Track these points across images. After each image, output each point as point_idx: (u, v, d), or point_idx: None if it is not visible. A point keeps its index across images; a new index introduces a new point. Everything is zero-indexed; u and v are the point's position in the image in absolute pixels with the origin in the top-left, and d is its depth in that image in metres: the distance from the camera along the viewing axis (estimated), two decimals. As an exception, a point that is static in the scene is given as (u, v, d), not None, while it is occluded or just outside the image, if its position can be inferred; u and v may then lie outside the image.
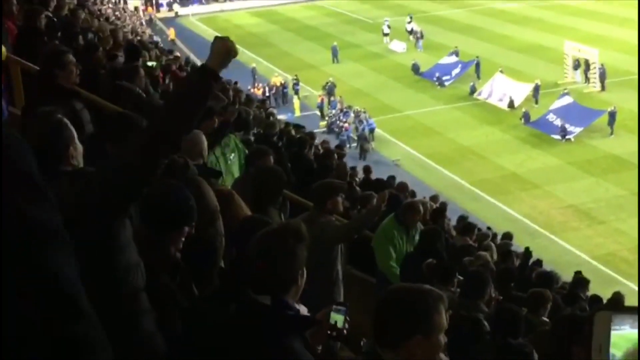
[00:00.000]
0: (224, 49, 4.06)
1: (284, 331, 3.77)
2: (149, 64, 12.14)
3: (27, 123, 4.19)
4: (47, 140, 3.93)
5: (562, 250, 27.55)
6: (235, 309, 3.94)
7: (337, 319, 3.99)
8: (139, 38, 33.17)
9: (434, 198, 21.25)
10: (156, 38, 49.74)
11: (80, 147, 4.09)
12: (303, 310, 3.99)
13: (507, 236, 19.10)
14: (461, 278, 9.34)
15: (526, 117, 39.81)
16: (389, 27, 58.81)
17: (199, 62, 43.34)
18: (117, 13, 50.71)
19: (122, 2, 64.08)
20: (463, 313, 7.01)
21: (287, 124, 21.62)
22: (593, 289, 15.19)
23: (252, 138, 11.55)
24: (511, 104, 42.25)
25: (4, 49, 8.37)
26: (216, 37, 4.11)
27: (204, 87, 3.87)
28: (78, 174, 3.92)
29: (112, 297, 3.75)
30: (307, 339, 3.93)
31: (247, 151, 9.65)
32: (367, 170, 20.42)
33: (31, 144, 3.82)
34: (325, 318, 4.00)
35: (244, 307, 3.88)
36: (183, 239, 4.50)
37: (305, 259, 3.88)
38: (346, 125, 40.20)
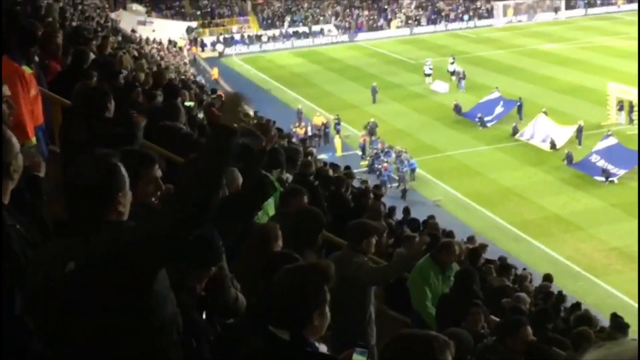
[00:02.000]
0: (229, 102, 4.03)
1: None
2: (187, 103, 12.24)
3: (76, 162, 4.17)
4: (98, 183, 3.89)
5: (605, 293, 27.08)
6: (255, 343, 3.94)
7: None
8: (182, 77, 33.61)
9: (470, 239, 21.09)
10: (199, 77, 50.34)
11: (129, 195, 4.07)
12: (323, 349, 3.97)
13: (547, 278, 18.88)
14: (496, 319, 9.25)
15: (569, 158, 39.43)
16: (430, 68, 58.87)
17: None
18: (161, 53, 51.59)
19: (166, 42, 65.10)
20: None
21: (324, 163, 21.69)
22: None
23: (286, 177, 11.54)
24: (553, 145, 41.92)
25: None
26: (226, 94, 4.06)
27: (221, 144, 3.85)
28: (120, 226, 3.89)
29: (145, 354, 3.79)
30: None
31: (282, 190, 9.65)
32: (406, 211, 20.38)
33: (79, 183, 3.87)
34: (348, 359, 3.97)
35: (263, 340, 3.88)
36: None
37: (327, 299, 3.87)
38: (385, 165, 40.12)
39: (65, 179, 4.11)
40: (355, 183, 22.27)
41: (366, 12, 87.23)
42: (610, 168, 37.23)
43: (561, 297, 15.91)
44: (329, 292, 3.93)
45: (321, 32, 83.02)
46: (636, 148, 39.17)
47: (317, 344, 3.92)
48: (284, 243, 6.44)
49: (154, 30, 69.79)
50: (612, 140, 39.64)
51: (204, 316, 4.61)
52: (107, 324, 3.68)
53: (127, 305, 3.69)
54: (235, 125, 3.91)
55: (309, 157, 18.72)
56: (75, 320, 3.67)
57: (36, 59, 9.47)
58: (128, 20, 64.69)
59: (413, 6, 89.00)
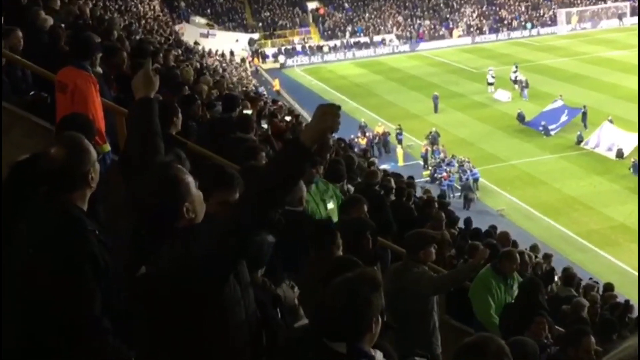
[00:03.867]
0: (322, 124, 3.67)
1: None
2: (245, 112, 12.38)
3: (139, 179, 4.25)
4: (162, 196, 3.93)
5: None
6: (313, 357, 3.95)
7: None
8: (244, 89, 33.90)
9: (533, 248, 20.85)
10: (261, 89, 50.66)
11: (198, 196, 4.07)
12: (379, 357, 3.96)
13: (609, 287, 18.60)
14: (561, 330, 9.14)
15: (635, 166, 38.79)
16: (493, 76, 58.29)
17: (302, 112, 43.97)
18: (223, 65, 52.09)
19: (229, 54, 65.67)
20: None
21: (385, 173, 21.65)
22: None
23: (347, 187, 11.56)
24: (620, 154, 41.27)
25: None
26: (319, 106, 3.69)
27: (294, 163, 3.67)
28: (190, 231, 3.90)
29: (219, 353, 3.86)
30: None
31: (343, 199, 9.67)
32: (467, 221, 20.20)
33: (145, 197, 3.95)
34: None
35: (320, 355, 3.89)
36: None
37: (381, 306, 3.86)
38: (444, 175, 39.90)
39: (131, 196, 4.21)
40: (418, 193, 22.19)
41: (427, 22, 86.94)
42: (679, 176, 36.51)
43: (628, 307, 15.63)
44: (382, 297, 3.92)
45: (382, 42, 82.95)
46: None
47: (372, 352, 3.91)
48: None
49: (237, 41, 70.61)
50: (680, 148, 38.93)
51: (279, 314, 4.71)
52: (182, 324, 3.77)
53: (201, 307, 3.76)
54: (315, 146, 3.67)
55: (372, 167, 18.74)
56: (151, 321, 3.79)
57: (100, 70, 9.65)
58: (191, 33, 65.43)
59: (475, 15, 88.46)
